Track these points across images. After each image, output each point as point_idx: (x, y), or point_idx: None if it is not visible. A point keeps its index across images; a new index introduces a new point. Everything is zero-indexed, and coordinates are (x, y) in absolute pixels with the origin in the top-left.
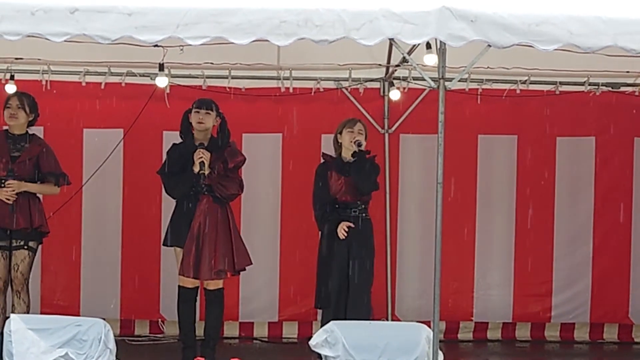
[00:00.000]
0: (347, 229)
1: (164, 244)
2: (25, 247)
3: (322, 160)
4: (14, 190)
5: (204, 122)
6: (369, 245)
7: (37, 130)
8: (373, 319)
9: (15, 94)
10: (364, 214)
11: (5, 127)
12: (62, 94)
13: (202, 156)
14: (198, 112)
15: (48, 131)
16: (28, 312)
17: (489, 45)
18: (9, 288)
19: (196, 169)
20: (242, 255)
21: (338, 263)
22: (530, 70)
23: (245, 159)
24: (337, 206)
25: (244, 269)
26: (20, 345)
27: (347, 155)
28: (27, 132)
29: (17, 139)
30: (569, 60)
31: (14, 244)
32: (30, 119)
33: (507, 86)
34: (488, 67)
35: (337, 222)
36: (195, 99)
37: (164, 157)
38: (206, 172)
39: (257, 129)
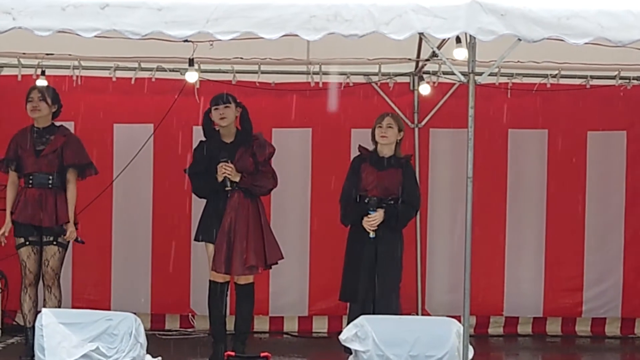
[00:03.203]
0: (370, 227)
1: (195, 239)
2: (55, 242)
3: (358, 153)
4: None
5: (227, 116)
6: (396, 241)
7: (68, 126)
8: (401, 314)
9: (35, 86)
10: None
11: (32, 123)
12: (92, 89)
13: (224, 172)
14: (217, 108)
15: (79, 126)
16: (59, 307)
17: (519, 39)
18: (41, 282)
19: (220, 178)
20: (274, 250)
21: (366, 257)
22: (560, 64)
23: (274, 150)
24: (367, 200)
25: (276, 263)
26: (51, 339)
27: (382, 149)
28: (52, 124)
29: (42, 133)
30: (600, 54)
31: (44, 240)
32: (54, 110)
33: (537, 80)
34: (518, 61)
35: (362, 216)
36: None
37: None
38: (229, 187)
39: (287, 124)
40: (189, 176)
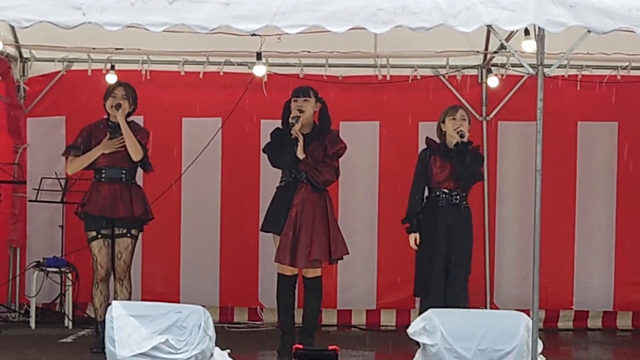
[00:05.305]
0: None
1: (261, 229)
2: (128, 235)
3: (425, 146)
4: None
5: (304, 110)
6: (468, 234)
7: (138, 119)
8: (470, 308)
9: (121, 84)
10: (464, 202)
11: (105, 118)
12: (161, 83)
13: (296, 114)
14: (296, 100)
15: (148, 120)
16: (130, 299)
17: (589, 31)
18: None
19: (293, 114)
20: (339, 245)
21: (437, 251)
22: (630, 55)
23: (345, 147)
24: (438, 193)
25: (341, 259)
26: (121, 331)
27: (451, 142)
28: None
29: (116, 128)
30: None
31: (116, 232)
32: (130, 110)
33: (607, 72)
34: (588, 53)
35: (435, 210)
36: (293, 87)
37: (262, 145)
38: (294, 124)
39: (355, 117)
40: (266, 152)
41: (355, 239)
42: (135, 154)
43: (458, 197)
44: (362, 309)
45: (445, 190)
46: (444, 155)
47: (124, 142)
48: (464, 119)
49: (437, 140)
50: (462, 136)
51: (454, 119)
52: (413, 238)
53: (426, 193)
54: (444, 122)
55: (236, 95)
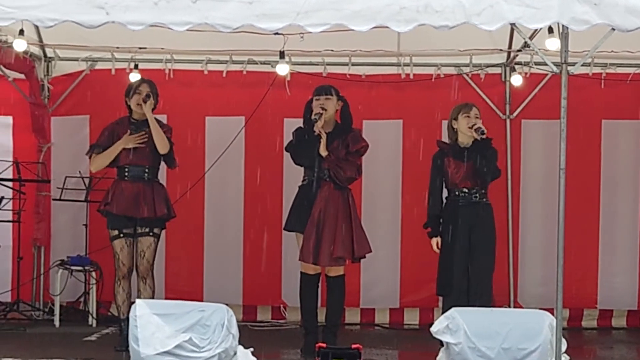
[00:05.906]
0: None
1: (284, 228)
2: (151, 233)
3: (437, 149)
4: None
5: (326, 108)
6: (489, 231)
7: (161, 118)
8: (494, 306)
9: (144, 80)
10: (484, 199)
11: (128, 115)
12: (184, 82)
13: (318, 111)
14: (318, 99)
15: (171, 119)
16: (153, 298)
17: (613, 29)
18: (134, 273)
19: (315, 111)
20: (362, 243)
21: (459, 250)
22: None
23: (367, 146)
24: (457, 193)
25: (364, 257)
26: (145, 329)
27: (464, 140)
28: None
29: (139, 125)
30: None
31: (139, 231)
32: (153, 107)
33: (631, 70)
34: (612, 51)
35: (455, 209)
36: (316, 86)
37: (285, 144)
38: (317, 120)
39: (378, 116)
40: (289, 151)
41: (379, 237)
42: (162, 146)
43: (477, 195)
44: (386, 308)
45: (465, 190)
46: (457, 156)
47: (145, 137)
48: (478, 117)
49: (447, 141)
50: (482, 133)
51: (468, 116)
52: (435, 242)
53: (445, 194)
54: (456, 119)
55: (259, 94)
